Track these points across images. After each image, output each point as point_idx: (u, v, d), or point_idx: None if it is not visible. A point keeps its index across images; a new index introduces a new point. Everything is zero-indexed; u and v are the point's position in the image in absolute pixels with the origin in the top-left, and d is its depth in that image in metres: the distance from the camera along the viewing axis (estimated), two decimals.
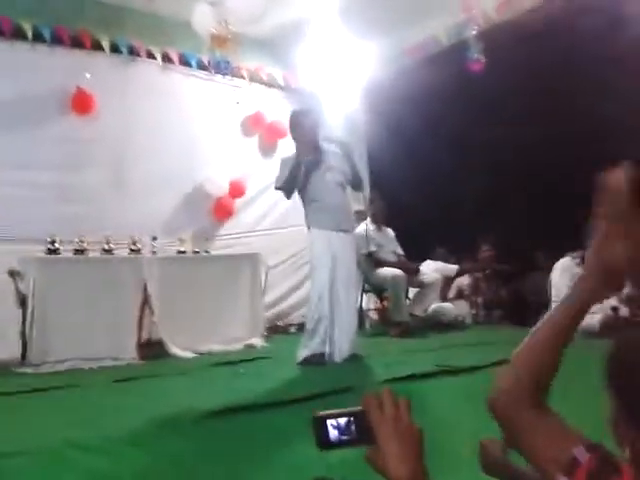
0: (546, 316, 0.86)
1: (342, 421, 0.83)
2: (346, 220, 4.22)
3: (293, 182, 4.10)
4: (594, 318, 4.86)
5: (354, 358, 3.92)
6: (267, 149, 6.85)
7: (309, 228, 4.18)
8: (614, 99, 4.85)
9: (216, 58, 5.17)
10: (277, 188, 4.23)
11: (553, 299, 5.22)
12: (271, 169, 6.49)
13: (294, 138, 4.24)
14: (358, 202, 7.04)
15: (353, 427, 0.83)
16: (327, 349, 3.92)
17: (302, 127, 4.16)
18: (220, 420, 2.46)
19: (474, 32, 5.17)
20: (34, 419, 2.72)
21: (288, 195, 4.22)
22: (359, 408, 0.84)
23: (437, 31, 6.20)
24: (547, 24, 5.32)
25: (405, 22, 6.04)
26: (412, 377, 3.05)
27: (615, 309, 5.00)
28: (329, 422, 0.82)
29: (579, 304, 0.84)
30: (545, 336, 0.85)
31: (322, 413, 0.83)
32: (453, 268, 6.18)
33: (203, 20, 4.87)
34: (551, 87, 5.42)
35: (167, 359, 4.57)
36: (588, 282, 0.83)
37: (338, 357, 3.89)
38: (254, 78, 6.49)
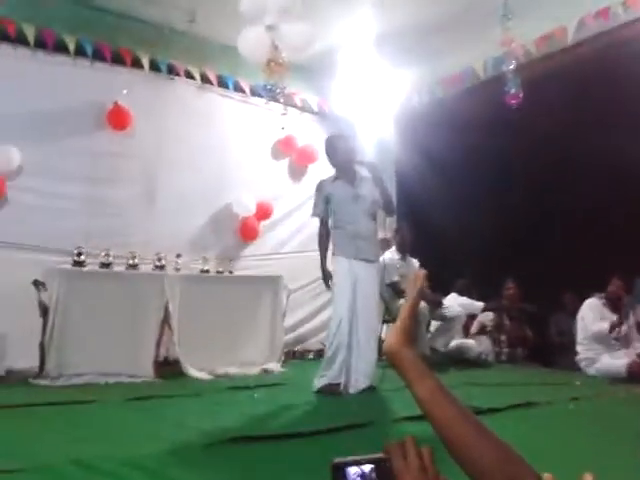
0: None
1: (363, 469, 0.77)
2: (371, 249, 4.18)
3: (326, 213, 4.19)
4: (620, 363, 4.74)
5: (371, 390, 3.85)
6: (296, 173, 6.87)
7: (334, 254, 4.17)
8: None
9: (269, 83, 5.15)
10: (314, 216, 4.29)
11: (579, 340, 5.10)
12: (299, 193, 6.56)
13: (330, 162, 4.26)
14: (383, 230, 7.02)
15: (374, 475, 0.78)
16: (344, 379, 3.86)
17: (337, 151, 4.18)
18: (230, 449, 2.42)
19: (512, 66, 5.12)
20: (43, 434, 2.72)
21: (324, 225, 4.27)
22: (380, 455, 0.79)
23: (474, 63, 6.19)
24: (585, 61, 5.28)
25: (441, 53, 6.04)
26: None
27: None
28: (349, 470, 0.77)
29: None
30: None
31: (342, 460, 0.78)
32: (479, 306, 6.03)
33: (253, 44, 4.87)
34: (589, 124, 5.34)
35: (183, 379, 4.56)
36: None
37: (355, 388, 3.84)
38: (288, 103, 6.53)
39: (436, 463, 0.78)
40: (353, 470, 0.77)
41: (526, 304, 6.10)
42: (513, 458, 0.87)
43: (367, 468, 0.77)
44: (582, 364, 5.05)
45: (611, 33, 5.22)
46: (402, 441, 0.80)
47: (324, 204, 4.17)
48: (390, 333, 1.03)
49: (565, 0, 5.13)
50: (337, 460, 0.78)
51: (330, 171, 4.37)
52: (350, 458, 0.78)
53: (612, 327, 4.86)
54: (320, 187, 4.25)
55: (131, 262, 4.89)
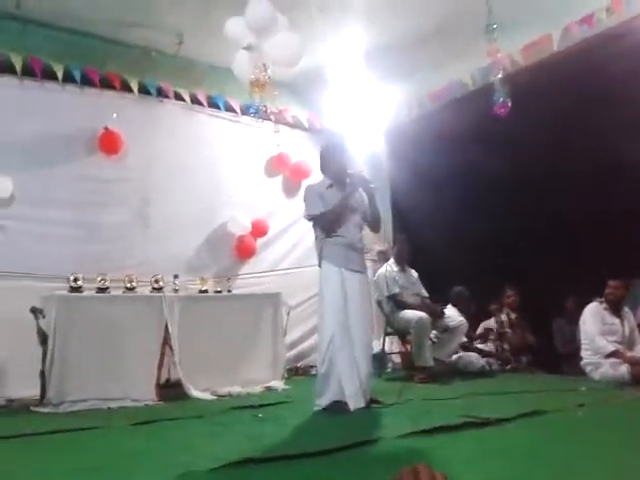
0: None
1: None
2: (361, 260, 4.07)
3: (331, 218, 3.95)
4: (623, 367, 4.71)
5: (373, 404, 3.79)
6: (291, 189, 6.87)
7: (322, 261, 3.98)
8: None
9: (254, 102, 5.14)
10: (310, 215, 4.03)
11: (583, 346, 5.07)
12: (294, 209, 6.54)
13: (324, 170, 4.18)
14: (381, 243, 7.01)
15: None
16: (344, 394, 3.75)
17: (332, 159, 4.11)
18: (237, 471, 2.36)
19: (499, 76, 5.16)
20: (47, 463, 2.63)
21: (326, 228, 3.97)
22: None
23: (462, 75, 6.24)
24: (572, 67, 5.32)
25: (429, 66, 6.11)
26: (437, 429, 2.92)
27: None
28: None
29: None
30: None
31: None
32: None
33: (245, 65, 4.88)
34: (577, 130, 5.37)
35: (186, 401, 4.50)
36: None
37: (355, 403, 3.73)
38: (279, 120, 6.55)
39: None
40: None
41: (523, 312, 6.09)
42: None
43: None
44: (587, 369, 5.02)
45: (596, 39, 5.26)
46: (415, 468, 0.78)
47: (321, 202, 3.97)
48: None
49: (549, 8, 5.17)
50: None
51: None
52: None
53: (615, 355, 4.84)
54: (312, 189, 4.09)
55: (128, 285, 4.85)
